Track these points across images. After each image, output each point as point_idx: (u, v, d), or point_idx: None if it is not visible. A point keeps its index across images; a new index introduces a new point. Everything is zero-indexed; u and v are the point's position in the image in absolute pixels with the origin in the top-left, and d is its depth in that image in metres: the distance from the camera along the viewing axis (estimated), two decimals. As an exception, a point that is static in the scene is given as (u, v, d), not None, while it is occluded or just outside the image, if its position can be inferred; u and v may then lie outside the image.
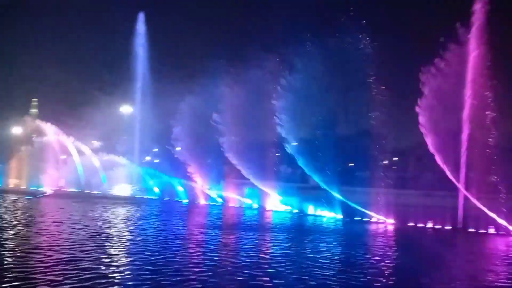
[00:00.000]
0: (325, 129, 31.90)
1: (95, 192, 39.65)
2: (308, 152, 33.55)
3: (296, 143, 36.51)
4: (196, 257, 14.33)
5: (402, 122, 30.12)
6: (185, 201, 35.17)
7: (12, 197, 31.83)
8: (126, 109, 51.46)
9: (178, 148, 44.74)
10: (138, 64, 45.67)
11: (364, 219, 26.45)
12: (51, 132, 44.26)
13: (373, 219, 26.22)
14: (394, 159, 36.82)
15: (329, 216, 27.80)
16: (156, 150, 48.74)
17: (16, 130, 56.82)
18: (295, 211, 29.82)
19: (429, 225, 24.22)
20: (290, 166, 35.13)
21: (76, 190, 40.59)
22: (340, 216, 27.42)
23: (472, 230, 23.23)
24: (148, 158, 52.27)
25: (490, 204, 23.31)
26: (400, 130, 28.15)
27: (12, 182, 46.04)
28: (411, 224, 24.78)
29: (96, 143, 47.09)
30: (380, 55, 27.24)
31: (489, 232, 22.60)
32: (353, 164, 34.07)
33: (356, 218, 26.69)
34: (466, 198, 24.56)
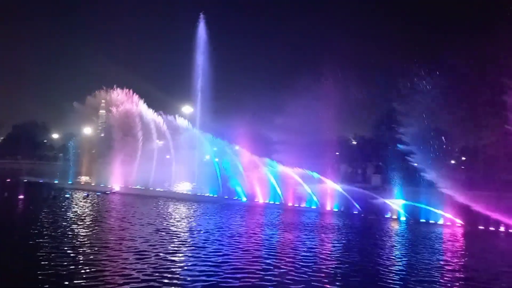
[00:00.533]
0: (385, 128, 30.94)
1: (159, 189, 41.01)
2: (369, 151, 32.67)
3: (355, 142, 35.66)
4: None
5: (471, 120, 28.53)
6: (244, 199, 35.38)
7: (83, 194, 33.77)
8: (187, 109, 52.84)
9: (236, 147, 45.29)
10: (198, 65, 46.64)
11: (431, 222, 25.25)
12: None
13: (439, 221, 24.99)
14: (462, 158, 34.95)
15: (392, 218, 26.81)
16: (215, 149, 49.48)
17: (87, 130, 60.21)
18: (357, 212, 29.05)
19: (502, 228, 22.63)
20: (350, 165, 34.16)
21: (141, 188, 42.27)
22: (403, 218, 26.39)
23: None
24: (207, 156, 53.32)
25: None
26: (469, 128, 26.56)
27: (83, 180, 48.91)
28: (481, 227, 23.32)
29: (159, 143, 48.66)
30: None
31: None
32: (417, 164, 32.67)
33: (421, 220, 25.57)
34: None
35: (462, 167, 34.68)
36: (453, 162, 30.83)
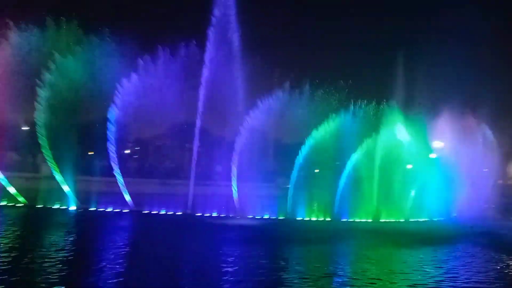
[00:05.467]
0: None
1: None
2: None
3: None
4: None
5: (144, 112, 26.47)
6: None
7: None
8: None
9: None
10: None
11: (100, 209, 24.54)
12: None
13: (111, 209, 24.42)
14: (136, 148, 37.57)
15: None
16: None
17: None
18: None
19: (163, 211, 24.53)
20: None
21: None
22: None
23: (200, 214, 24.45)
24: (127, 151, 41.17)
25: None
26: (141, 120, 27.73)
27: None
28: (146, 211, 24.58)
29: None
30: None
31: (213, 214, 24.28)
32: (92, 153, 31.82)
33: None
34: (196, 185, 26.06)
35: (135, 156, 38.18)
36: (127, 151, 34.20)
